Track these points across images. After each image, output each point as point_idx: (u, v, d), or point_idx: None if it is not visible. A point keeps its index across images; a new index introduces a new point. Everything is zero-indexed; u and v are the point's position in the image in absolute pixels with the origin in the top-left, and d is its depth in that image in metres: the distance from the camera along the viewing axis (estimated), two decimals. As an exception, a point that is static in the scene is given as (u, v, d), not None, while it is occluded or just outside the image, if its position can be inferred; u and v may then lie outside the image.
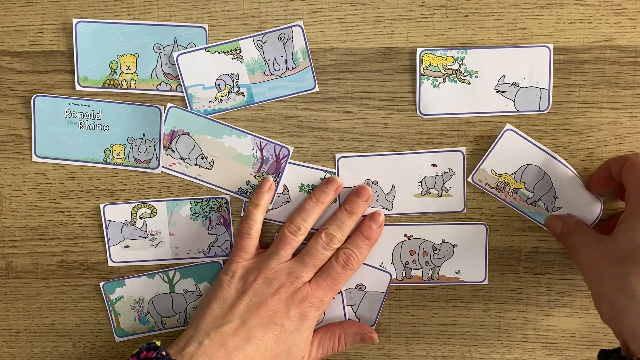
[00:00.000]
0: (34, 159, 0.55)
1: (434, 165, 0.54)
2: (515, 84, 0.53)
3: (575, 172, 0.52)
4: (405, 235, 0.56)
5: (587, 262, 0.46)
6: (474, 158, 0.54)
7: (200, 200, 0.55)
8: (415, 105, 0.54)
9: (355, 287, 0.57)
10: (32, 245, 0.57)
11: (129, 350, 0.58)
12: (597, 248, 0.46)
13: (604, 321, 0.45)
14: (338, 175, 0.54)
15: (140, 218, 0.56)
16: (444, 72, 0.53)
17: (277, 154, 0.54)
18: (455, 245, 0.56)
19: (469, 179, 0.54)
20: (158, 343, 0.47)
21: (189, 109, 0.54)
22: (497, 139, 0.53)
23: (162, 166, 0.55)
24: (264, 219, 0.55)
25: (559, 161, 0.52)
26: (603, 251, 0.45)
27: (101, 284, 0.57)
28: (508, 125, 0.52)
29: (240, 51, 0.53)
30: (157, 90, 0.54)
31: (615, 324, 0.43)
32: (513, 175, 0.53)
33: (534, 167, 0.53)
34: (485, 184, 0.53)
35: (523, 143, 0.53)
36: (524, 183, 0.53)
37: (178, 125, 0.54)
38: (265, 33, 0.53)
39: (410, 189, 0.55)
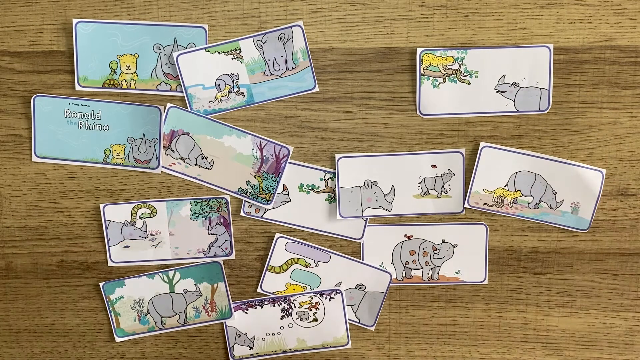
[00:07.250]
0: (34, 159, 0.55)
1: (433, 166, 0.54)
2: (515, 84, 0.53)
3: (561, 159, 0.53)
4: (405, 236, 0.56)
5: None
6: (474, 158, 0.54)
7: (200, 201, 0.55)
8: (415, 105, 0.54)
9: (355, 287, 0.57)
10: (32, 246, 0.57)
11: (129, 351, 0.58)
12: None
13: None
14: (338, 176, 0.54)
15: (140, 218, 0.56)
16: (444, 72, 0.53)
17: (277, 153, 0.54)
18: (455, 246, 0.56)
19: (466, 204, 0.54)
20: None
21: (189, 109, 0.54)
22: (477, 160, 0.53)
23: (162, 166, 0.55)
24: (264, 219, 0.55)
25: (542, 158, 0.53)
26: None
27: (101, 284, 0.57)
28: (483, 143, 0.53)
29: (240, 51, 0.53)
30: (157, 90, 0.54)
31: None
32: (506, 187, 0.53)
33: (522, 173, 0.53)
34: (483, 204, 0.54)
35: (503, 154, 0.53)
36: (520, 191, 0.53)
37: (178, 125, 0.54)
38: (265, 33, 0.53)
39: (410, 190, 0.55)
